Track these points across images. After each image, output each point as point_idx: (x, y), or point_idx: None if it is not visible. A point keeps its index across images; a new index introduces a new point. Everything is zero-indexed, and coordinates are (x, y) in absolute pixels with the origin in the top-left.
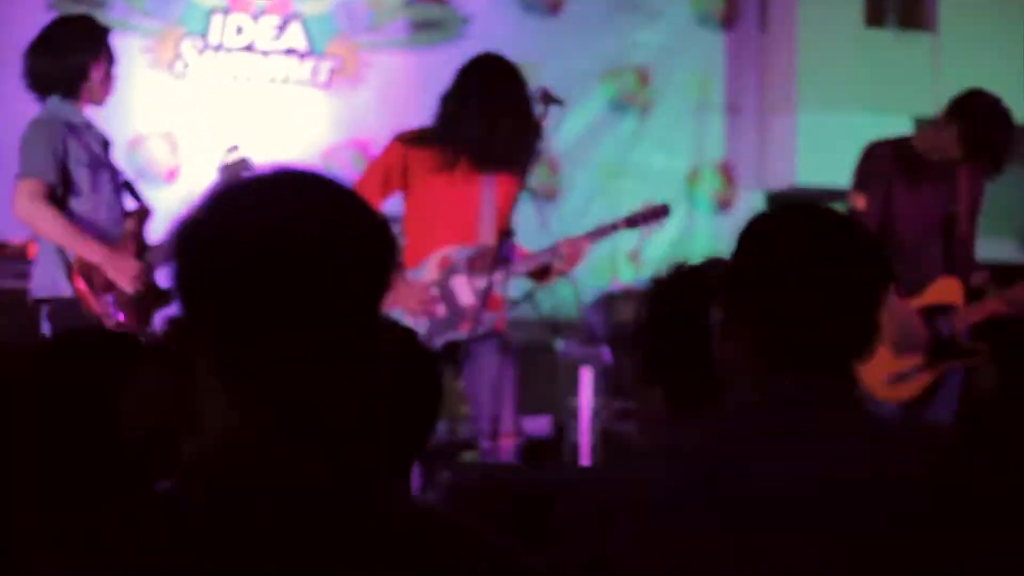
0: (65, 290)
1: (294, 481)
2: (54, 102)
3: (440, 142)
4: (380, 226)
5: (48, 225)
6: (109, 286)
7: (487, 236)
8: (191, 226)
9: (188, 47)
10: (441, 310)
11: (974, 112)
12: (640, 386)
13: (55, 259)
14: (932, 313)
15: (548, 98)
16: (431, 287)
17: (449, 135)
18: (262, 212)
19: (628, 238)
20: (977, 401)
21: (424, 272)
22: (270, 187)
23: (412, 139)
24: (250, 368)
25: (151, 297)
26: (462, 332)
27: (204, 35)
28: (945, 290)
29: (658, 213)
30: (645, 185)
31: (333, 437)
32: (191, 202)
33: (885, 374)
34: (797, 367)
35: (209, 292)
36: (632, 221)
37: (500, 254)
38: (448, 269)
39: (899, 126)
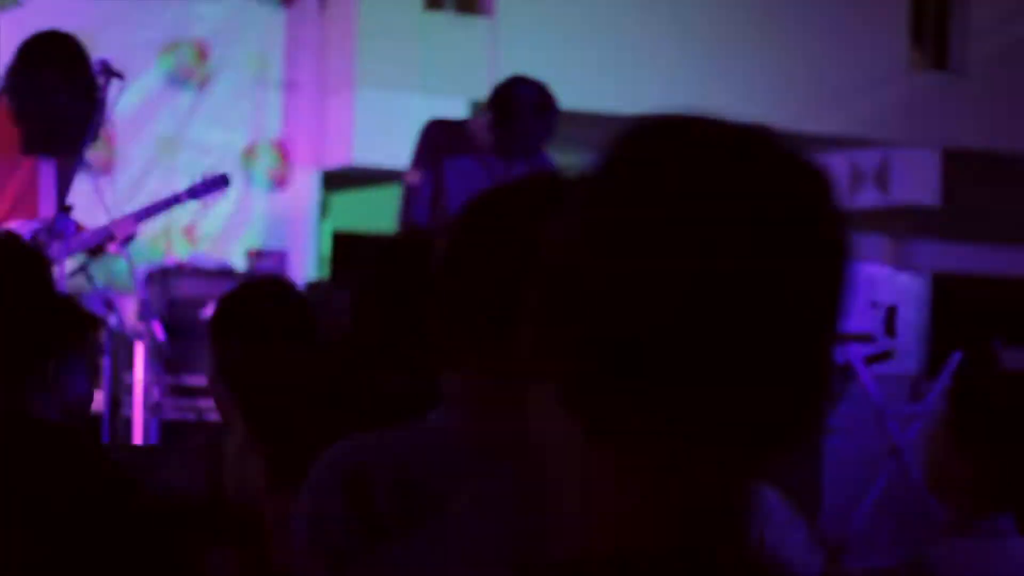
0: None
1: None
2: None
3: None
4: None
5: None
6: None
7: (47, 211)
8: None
9: None
10: None
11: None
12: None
13: None
14: None
15: (108, 71)
16: None
17: (12, 116)
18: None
19: (183, 213)
20: None
21: None
22: None
23: None
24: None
25: None
26: None
27: None
28: None
29: (218, 183)
30: (202, 160)
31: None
32: None
33: None
34: None
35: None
36: (193, 192)
37: (56, 230)
38: None
39: (455, 109)
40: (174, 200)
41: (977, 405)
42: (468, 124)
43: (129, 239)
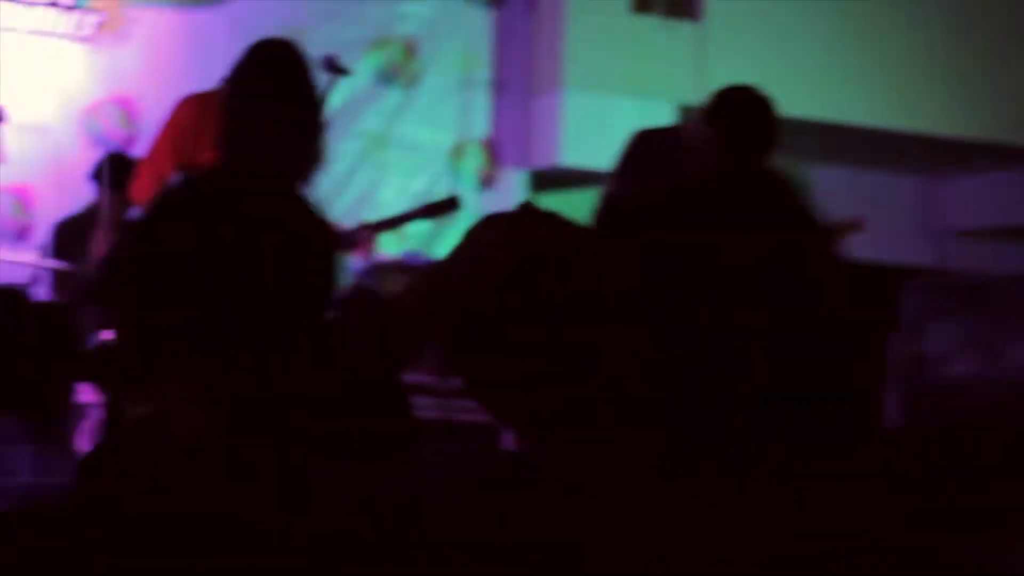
0: None
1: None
2: None
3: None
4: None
5: None
6: None
7: None
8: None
9: None
10: None
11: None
12: None
13: None
14: None
15: (333, 67)
16: None
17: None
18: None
19: (392, 209)
20: None
21: None
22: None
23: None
24: (218, 370)
25: None
26: None
27: None
28: None
29: (450, 205)
30: (409, 158)
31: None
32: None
33: None
34: None
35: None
36: (426, 211)
37: None
38: None
39: (662, 112)
40: (408, 217)
41: None
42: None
43: (365, 248)
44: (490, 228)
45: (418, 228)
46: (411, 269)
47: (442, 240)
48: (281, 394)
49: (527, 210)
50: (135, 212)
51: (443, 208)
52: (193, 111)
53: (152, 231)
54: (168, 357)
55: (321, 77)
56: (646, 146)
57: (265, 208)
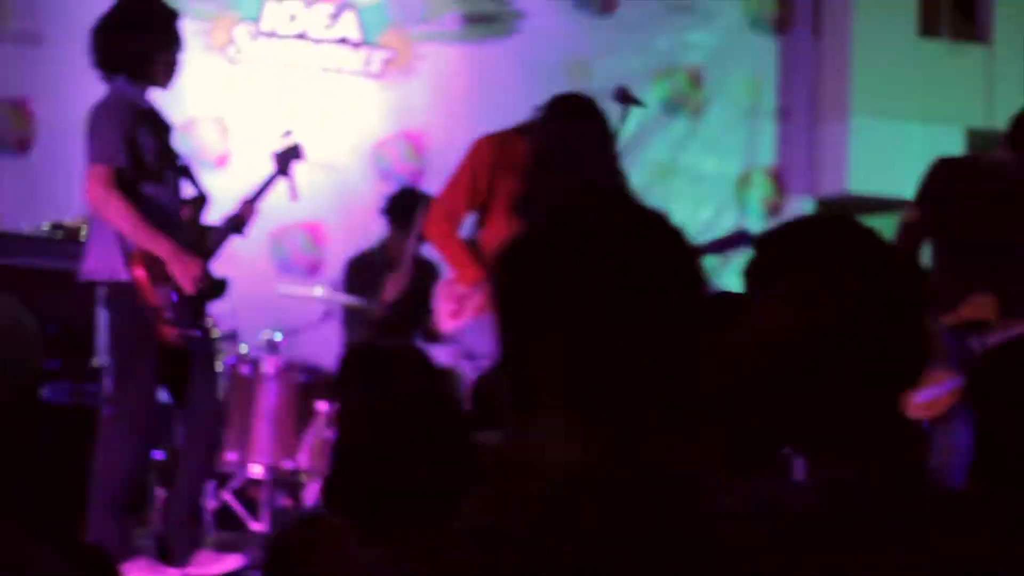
0: (123, 275)
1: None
2: (120, 83)
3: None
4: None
5: (119, 215)
6: (167, 277)
7: None
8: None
9: (241, 32)
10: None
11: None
12: None
13: (114, 243)
14: (965, 329)
15: (626, 97)
16: None
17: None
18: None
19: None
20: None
21: None
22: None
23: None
24: (600, 399)
25: (205, 288)
26: None
27: (257, 21)
28: (980, 307)
29: (735, 241)
30: (695, 188)
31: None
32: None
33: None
34: None
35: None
36: (717, 245)
37: None
38: None
39: (951, 137)
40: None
41: None
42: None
43: None
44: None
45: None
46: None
47: (727, 271)
48: (653, 429)
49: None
50: (424, 248)
51: (736, 242)
52: (490, 150)
53: (537, 262)
54: (548, 388)
55: (613, 108)
56: (946, 172)
57: (638, 239)
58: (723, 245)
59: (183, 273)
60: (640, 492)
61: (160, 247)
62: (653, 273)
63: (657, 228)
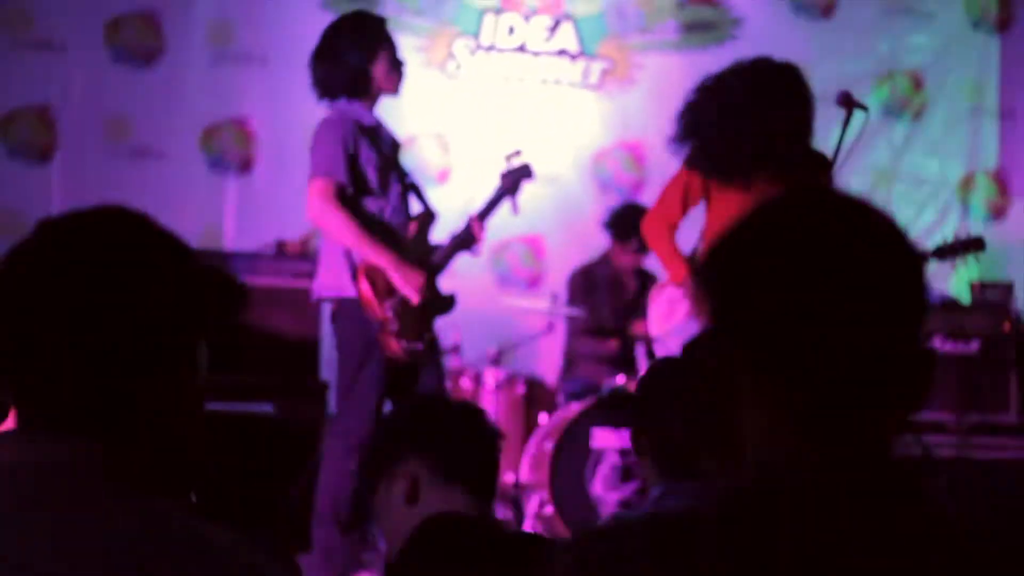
0: (349, 291)
1: (831, 488)
2: (342, 103)
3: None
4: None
5: (338, 228)
6: (392, 291)
7: None
8: (733, 247)
9: (460, 47)
10: None
11: None
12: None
13: (341, 260)
14: None
15: (850, 102)
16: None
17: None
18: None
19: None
20: None
21: None
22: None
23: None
24: (794, 381)
25: (432, 303)
26: None
27: (476, 35)
28: None
29: (970, 247)
30: (918, 191)
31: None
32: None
33: None
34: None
35: (755, 308)
36: (941, 253)
37: None
38: None
39: None
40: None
41: None
42: None
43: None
44: None
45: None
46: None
47: (957, 277)
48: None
49: None
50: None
51: (966, 249)
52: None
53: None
54: (747, 372)
55: (836, 112)
56: None
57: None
58: (952, 251)
59: (406, 283)
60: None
61: (382, 258)
62: (878, 278)
63: (882, 231)
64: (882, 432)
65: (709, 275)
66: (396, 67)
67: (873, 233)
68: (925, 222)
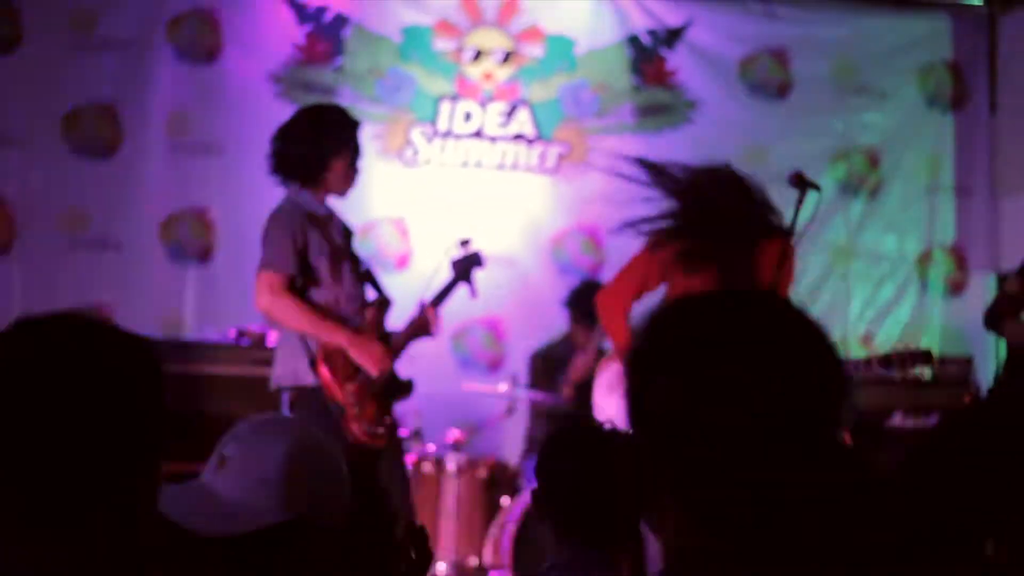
0: (307, 379)
1: None
2: (293, 190)
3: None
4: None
5: (290, 316)
6: (351, 375)
7: None
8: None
9: (417, 134)
10: None
11: None
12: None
13: (297, 348)
14: None
15: (802, 182)
16: None
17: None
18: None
19: (859, 323)
20: None
21: None
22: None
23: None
24: (715, 504)
25: (391, 387)
26: None
27: (433, 121)
28: None
29: (917, 359)
30: (876, 268)
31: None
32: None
33: None
34: None
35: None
36: (886, 362)
37: None
38: None
39: None
40: (864, 364)
41: None
42: None
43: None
44: None
45: (886, 337)
46: (886, 381)
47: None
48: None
49: None
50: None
51: (909, 362)
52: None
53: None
54: (667, 489)
55: (788, 193)
56: None
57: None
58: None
59: (365, 357)
60: None
61: (338, 335)
62: (794, 391)
63: (803, 333)
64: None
65: (628, 361)
66: (353, 172)
67: (783, 330)
68: (884, 298)
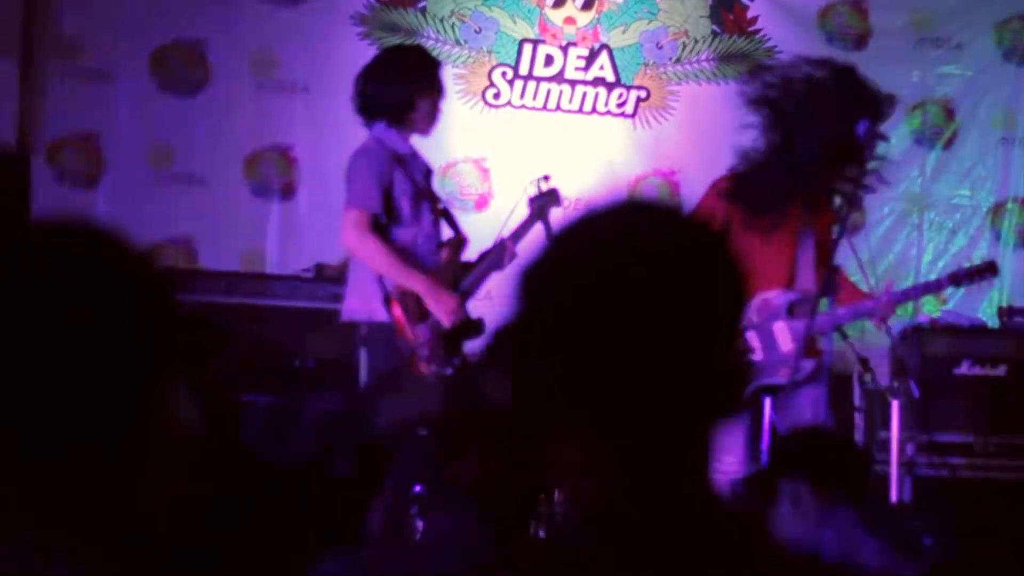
0: (381, 316)
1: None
2: (379, 129)
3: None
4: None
5: (373, 255)
6: (424, 315)
7: (806, 281)
8: (544, 271)
9: (499, 76)
10: (759, 354)
11: None
12: None
13: (373, 285)
14: None
15: (874, 134)
16: (748, 329)
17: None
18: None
19: (931, 269)
20: None
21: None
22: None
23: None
24: (622, 423)
25: (462, 328)
26: (781, 378)
27: (514, 65)
28: None
29: (983, 272)
30: (948, 219)
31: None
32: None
33: None
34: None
35: (569, 344)
36: (955, 279)
37: (824, 291)
38: (769, 314)
39: None
40: (935, 286)
41: None
42: None
43: (887, 319)
44: None
45: (957, 289)
46: (953, 329)
47: (980, 301)
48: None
49: None
50: None
51: (976, 275)
52: (722, 191)
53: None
54: (567, 414)
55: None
56: None
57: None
58: (969, 277)
59: (439, 307)
60: (686, 517)
61: (416, 283)
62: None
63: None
64: (696, 450)
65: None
66: (435, 112)
67: (680, 247)
68: (956, 248)
